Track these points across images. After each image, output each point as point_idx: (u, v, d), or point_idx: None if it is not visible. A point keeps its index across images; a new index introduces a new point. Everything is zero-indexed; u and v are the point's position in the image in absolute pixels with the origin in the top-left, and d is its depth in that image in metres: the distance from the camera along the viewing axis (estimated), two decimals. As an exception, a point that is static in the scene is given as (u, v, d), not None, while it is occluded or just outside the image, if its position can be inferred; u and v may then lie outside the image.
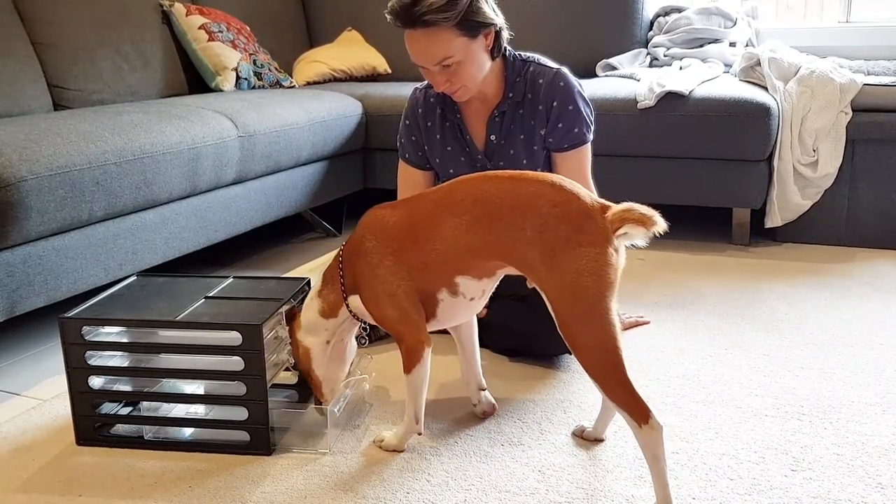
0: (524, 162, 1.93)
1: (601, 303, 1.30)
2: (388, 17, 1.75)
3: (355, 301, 1.55)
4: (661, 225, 1.29)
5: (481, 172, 1.49)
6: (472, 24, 1.75)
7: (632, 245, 1.35)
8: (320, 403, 1.64)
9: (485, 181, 1.44)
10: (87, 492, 1.48)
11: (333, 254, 1.61)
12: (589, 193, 1.37)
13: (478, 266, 1.46)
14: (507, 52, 1.92)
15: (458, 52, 1.75)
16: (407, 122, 2.05)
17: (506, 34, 1.86)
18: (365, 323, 1.61)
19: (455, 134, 1.99)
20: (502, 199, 1.39)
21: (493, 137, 1.95)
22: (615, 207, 1.33)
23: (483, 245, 1.42)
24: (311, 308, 1.60)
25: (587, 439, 1.61)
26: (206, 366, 1.63)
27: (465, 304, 1.52)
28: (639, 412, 1.30)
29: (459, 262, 1.46)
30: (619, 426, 1.64)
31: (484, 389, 1.74)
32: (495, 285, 1.55)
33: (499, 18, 1.82)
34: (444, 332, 2.11)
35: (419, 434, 1.60)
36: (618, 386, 1.31)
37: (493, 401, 1.74)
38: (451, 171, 2.00)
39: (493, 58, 1.85)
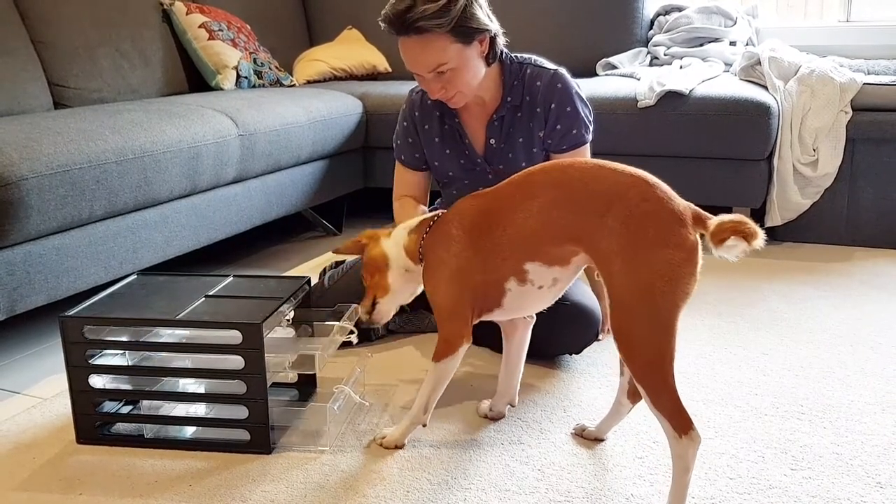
0: (523, 165, 1.93)
1: (673, 311, 1.27)
2: (381, 24, 1.75)
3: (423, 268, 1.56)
4: (762, 242, 1.25)
5: (569, 159, 1.45)
6: (466, 31, 1.74)
7: (719, 257, 1.29)
8: (357, 326, 1.67)
9: (570, 166, 1.41)
10: (88, 490, 1.48)
11: (430, 214, 1.61)
12: (679, 197, 1.33)
13: (549, 251, 1.42)
14: (504, 55, 1.91)
15: (452, 58, 1.75)
16: (404, 123, 2.05)
17: (501, 40, 1.85)
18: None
19: (454, 137, 1.99)
20: (585, 183, 1.36)
21: (492, 141, 1.95)
22: (724, 217, 1.27)
23: (556, 229, 1.38)
24: (401, 237, 1.60)
25: (587, 438, 1.61)
26: (207, 364, 1.63)
27: (535, 294, 1.48)
28: (681, 423, 1.28)
29: (529, 247, 1.43)
30: (619, 425, 1.64)
31: (513, 406, 1.73)
32: (572, 278, 1.49)
33: (493, 25, 1.81)
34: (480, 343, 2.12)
35: (423, 426, 1.60)
36: (665, 395, 1.28)
37: (506, 413, 1.73)
38: (450, 173, 2.00)
39: (488, 63, 1.85)
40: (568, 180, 1.38)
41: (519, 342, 1.68)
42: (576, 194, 1.36)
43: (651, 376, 1.29)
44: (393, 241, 1.61)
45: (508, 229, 1.43)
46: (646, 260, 1.27)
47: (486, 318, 1.54)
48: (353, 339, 1.73)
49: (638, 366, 1.30)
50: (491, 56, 1.84)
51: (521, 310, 1.55)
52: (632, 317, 1.29)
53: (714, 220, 1.28)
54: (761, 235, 1.25)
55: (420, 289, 1.64)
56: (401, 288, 1.62)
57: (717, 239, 1.26)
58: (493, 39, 1.82)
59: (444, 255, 1.50)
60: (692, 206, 1.32)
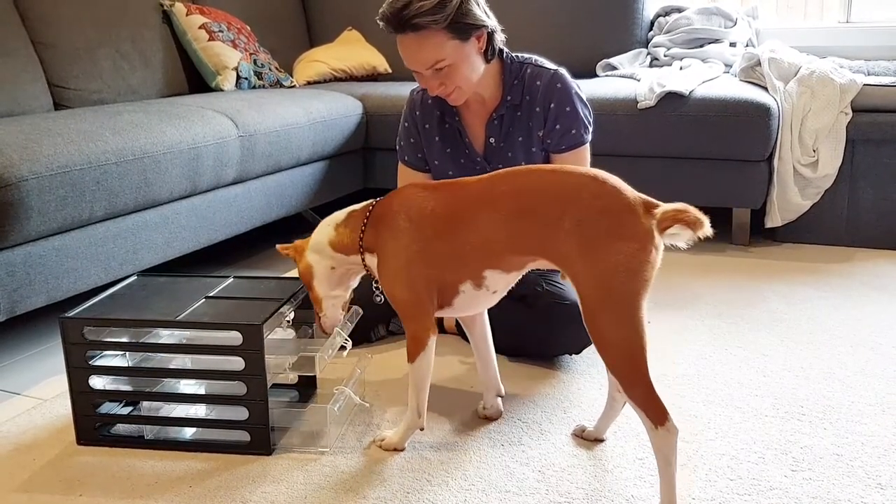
0: (522, 164, 1.93)
1: (634, 300, 1.30)
2: (379, 23, 1.75)
3: (372, 261, 1.56)
4: (708, 230, 1.29)
5: (525, 166, 1.47)
6: (463, 27, 1.74)
7: (671, 245, 1.34)
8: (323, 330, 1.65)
9: (527, 174, 1.43)
10: (88, 491, 1.48)
11: (362, 204, 1.60)
12: (632, 189, 1.36)
13: (510, 260, 1.45)
14: (505, 54, 1.92)
15: (449, 55, 1.75)
16: (406, 123, 2.05)
17: (500, 36, 1.85)
18: (380, 295, 1.60)
19: (454, 136, 1.99)
20: (543, 191, 1.38)
21: (491, 140, 1.95)
22: (667, 206, 1.32)
23: (519, 239, 1.41)
24: (324, 233, 1.60)
25: (587, 439, 1.61)
26: (207, 366, 1.63)
27: (486, 297, 1.52)
28: (656, 413, 1.30)
29: (492, 257, 1.45)
30: (619, 426, 1.64)
31: (502, 396, 1.74)
32: (519, 278, 1.53)
33: (491, 20, 1.81)
34: (449, 332, 2.14)
35: (421, 429, 1.60)
36: (639, 385, 1.31)
37: (502, 408, 1.74)
38: (450, 172, 1.99)
39: (487, 60, 1.85)
40: (527, 190, 1.40)
41: (481, 329, 1.70)
42: (535, 204, 1.38)
43: (623, 367, 1.32)
44: (312, 247, 1.61)
45: (471, 237, 1.44)
46: (603, 254, 1.30)
47: (436, 314, 1.55)
48: (348, 345, 1.73)
49: (610, 357, 1.33)
50: (489, 52, 1.84)
51: (468, 310, 1.58)
52: (597, 311, 1.32)
53: (659, 209, 1.32)
54: (706, 223, 1.29)
55: (357, 280, 1.66)
56: (329, 290, 1.62)
57: (660, 227, 1.31)
58: (490, 35, 1.82)
59: (394, 247, 1.50)
60: (643, 196, 1.35)
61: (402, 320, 1.54)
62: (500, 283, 1.50)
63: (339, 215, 1.62)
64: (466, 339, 2.08)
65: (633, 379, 1.31)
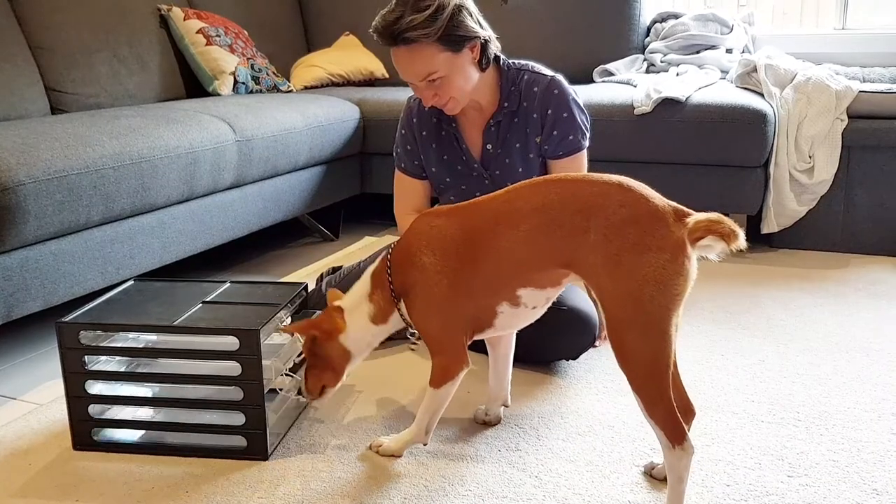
0: (520, 170, 1.93)
1: (664, 315, 1.24)
2: (373, 35, 1.76)
3: (402, 306, 1.52)
4: (742, 243, 1.22)
5: (543, 177, 1.43)
6: (455, 39, 1.75)
7: (702, 257, 1.28)
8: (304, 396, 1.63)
9: (546, 186, 1.38)
10: (84, 497, 1.47)
11: (378, 260, 1.56)
12: (660, 196, 1.30)
13: (541, 277, 1.41)
14: (502, 61, 1.92)
15: (441, 67, 1.76)
16: (403, 131, 2.06)
17: (494, 45, 1.86)
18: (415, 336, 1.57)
19: (451, 143, 1.99)
20: (565, 203, 1.33)
21: (489, 147, 1.96)
22: (700, 215, 1.25)
23: (544, 255, 1.36)
24: (361, 312, 1.54)
25: (657, 478, 1.50)
26: (204, 371, 1.63)
27: (527, 313, 1.49)
28: (675, 433, 1.28)
29: (521, 276, 1.41)
30: (616, 431, 1.64)
31: (507, 406, 1.74)
32: (560, 292, 1.49)
33: (484, 31, 1.81)
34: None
35: (424, 444, 1.60)
36: (660, 404, 1.27)
37: (502, 416, 1.74)
38: (448, 179, 2.00)
39: (482, 69, 1.85)
40: (549, 204, 1.35)
41: (505, 348, 1.69)
42: (558, 216, 1.34)
43: (646, 386, 1.28)
44: (353, 331, 1.54)
45: (496, 259, 1.40)
46: (630, 267, 1.25)
47: (477, 337, 1.53)
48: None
49: (633, 376, 1.29)
50: (484, 61, 1.85)
51: (513, 327, 1.56)
52: (624, 327, 1.28)
53: (691, 219, 1.25)
54: (741, 236, 1.22)
55: None
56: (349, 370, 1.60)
57: (692, 238, 1.24)
58: (484, 45, 1.83)
59: (424, 285, 1.46)
60: (673, 203, 1.30)
61: (432, 354, 1.51)
62: (538, 300, 1.46)
63: (363, 287, 1.55)
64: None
65: (655, 398, 1.28)
